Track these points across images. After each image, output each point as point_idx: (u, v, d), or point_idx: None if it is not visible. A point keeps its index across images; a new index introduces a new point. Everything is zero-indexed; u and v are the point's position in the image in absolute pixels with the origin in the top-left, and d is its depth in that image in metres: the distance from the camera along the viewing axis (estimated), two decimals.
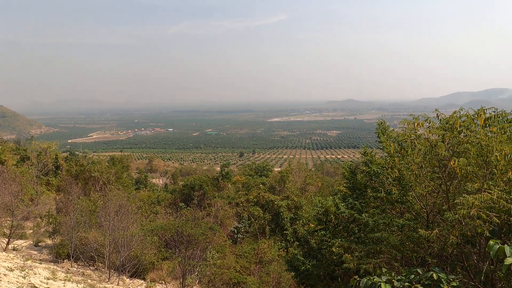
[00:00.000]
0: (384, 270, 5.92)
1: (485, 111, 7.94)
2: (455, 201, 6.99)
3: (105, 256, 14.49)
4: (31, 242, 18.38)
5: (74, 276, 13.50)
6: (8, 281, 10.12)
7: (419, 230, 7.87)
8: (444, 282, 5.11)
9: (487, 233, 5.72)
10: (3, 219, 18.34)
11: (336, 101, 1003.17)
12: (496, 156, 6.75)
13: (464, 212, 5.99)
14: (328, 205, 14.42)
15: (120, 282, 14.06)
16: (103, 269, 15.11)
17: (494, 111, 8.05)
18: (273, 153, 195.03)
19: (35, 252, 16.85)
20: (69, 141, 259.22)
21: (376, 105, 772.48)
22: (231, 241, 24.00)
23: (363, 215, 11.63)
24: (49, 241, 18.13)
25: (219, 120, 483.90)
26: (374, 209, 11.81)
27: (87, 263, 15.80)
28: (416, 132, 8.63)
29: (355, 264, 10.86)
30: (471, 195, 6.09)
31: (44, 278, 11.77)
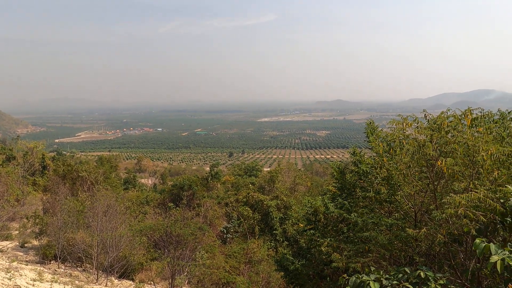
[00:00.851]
0: (372, 269, 5.97)
1: (472, 112, 8.07)
2: (443, 200, 7.09)
3: (93, 257, 14.32)
4: (17, 243, 18.07)
5: (61, 277, 13.32)
6: None
7: (407, 229, 7.96)
8: (431, 280, 5.18)
9: (474, 231, 5.81)
10: None
11: (326, 101, 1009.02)
12: (482, 156, 6.86)
13: (451, 211, 6.08)
14: (317, 205, 14.51)
15: (108, 283, 13.91)
16: (91, 270, 14.93)
17: (481, 112, 8.19)
18: (263, 153, 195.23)
19: (21, 254, 16.57)
20: (56, 140, 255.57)
21: (365, 105, 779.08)
22: (220, 241, 23.94)
23: (352, 214, 11.73)
24: (35, 242, 17.83)
25: (208, 120, 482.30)
26: (363, 209, 11.92)
27: (75, 264, 15.59)
28: (404, 132, 8.72)
29: (344, 263, 10.94)
30: (458, 195, 6.18)
31: (31, 280, 11.59)
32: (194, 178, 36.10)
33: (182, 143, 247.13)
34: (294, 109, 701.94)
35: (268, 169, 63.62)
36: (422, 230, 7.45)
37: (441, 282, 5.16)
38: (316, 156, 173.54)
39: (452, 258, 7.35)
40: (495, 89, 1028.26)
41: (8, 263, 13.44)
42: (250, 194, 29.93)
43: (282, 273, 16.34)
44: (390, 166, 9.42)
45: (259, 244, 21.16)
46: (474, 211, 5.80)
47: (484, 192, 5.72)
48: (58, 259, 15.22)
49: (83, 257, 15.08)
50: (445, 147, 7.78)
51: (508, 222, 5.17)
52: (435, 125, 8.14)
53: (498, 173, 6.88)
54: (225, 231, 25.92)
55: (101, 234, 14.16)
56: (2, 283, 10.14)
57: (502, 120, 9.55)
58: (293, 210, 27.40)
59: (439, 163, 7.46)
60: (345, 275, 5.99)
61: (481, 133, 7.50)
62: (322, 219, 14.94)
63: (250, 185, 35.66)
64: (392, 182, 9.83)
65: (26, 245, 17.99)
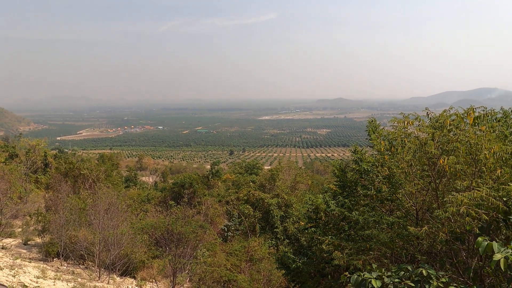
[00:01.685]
0: (374, 266, 5.98)
1: (474, 110, 8.06)
2: (445, 198, 7.09)
3: (95, 255, 14.38)
4: (20, 241, 18.14)
5: (64, 274, 13.38)
6: None
7: (409, 227, 7.96)
8: (433, 278, 5.19)
9: (476, 230, 5.81)
10: None
11: (327, 99, 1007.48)
12: (485, 154, 6.85)
13: (454, 210, 6.08)
14: (318, 203, 14.51)
15: (110, 280, 13.97)
16: (93, 268, 14.98)
17: (483, 110, 8.18)
18: (263, 151, 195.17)
19: (24, 251, 16.64)
20: (58, 138, 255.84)
21: (366, 104, 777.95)
22: (221, 239, 23.98)
23: (353, 213, 11.73)
24: (38, 240, 17.90)
25: (209, 118, 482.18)
26: (364, 207, 11.92)
27: (77, 261, 15.65)
28: (406, 131, 8.71)
29: (345, 261, 10.95)
30: (460, 193, 6.18)
31: (34, 277, 11.64)
32: (195, 176, 36.15)
33: (183, 141, 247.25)
34: (295, 107, 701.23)
35: (269, 167, 63.62)
36: (424, 228, 7.45)
37: (443, 280, 5.17)
38: (317, 155, 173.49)
39: (454, 256, 7.35)
40: (497, 87, 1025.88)
41: (12, 261, 13.51)
42: (251, 192, 29.95)
43: (283, 271, 16.36)
44: (391, 164, 9.42)
45: (260, 242, 21.20)
46: (476, 209, 5.80)
47: (487, 191, 5.72)
48: (61, 256, 15.28)
49: (85, 255, 15.15)
50: (447, 145, 7.77)
51: (511, 220, 5.17)
52: (437, 123, 8.13)
53: (501, 172, 6.88)
54: (226, 229, 25.96)
55: (103, 232, 14.21)
56: (7, 280, 10.19)
57: (505, 118, 9.54)
58: (293, 208, 27.42)
59: (441, 162, 7.46)
60: (347, 273, 6.00)
61: (483, 132, 7.49)
62: (323, 217, 14.95)
63: (251, 183, 35.69)
64: (394, 181, 9.83)
65: (29, 242, 18.06)
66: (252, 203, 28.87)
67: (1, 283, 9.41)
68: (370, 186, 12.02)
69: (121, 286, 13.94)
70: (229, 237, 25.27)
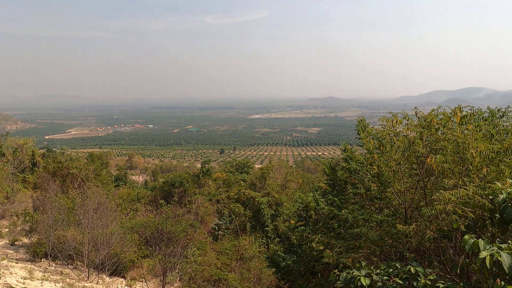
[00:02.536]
0: (363, 264, 6.03)
1: (462, 110, 8.17)
2: (432, 197, 7.17)
3: (84, 255, 14.24)
4: (7, 241, 17.87)
5: (52, 275, 13.22)
6: None
7: (398, 225, 8.04)
8: (421, 275, 5.25)
9: (463, 227, 5.89)
10: None
11: (317, 98, 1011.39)
12: (471, 153, 6.95)
13: (441, 208, 6.16)
14: (308, 201, 14.56)
15: (99, 280, 13.85)
16: (82, 268, 14.84)
17: (470, 109, 8.29)
18: (254, 150, 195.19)
19: (11, 252, 16.39)
20: (47, 137, 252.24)
21: (356, 102, 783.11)
22: (212, 238, 23.95)
23: (343, 211, 11.81)
24: (25, 240, 17.65)
25: (199, 116, 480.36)
26: (353, 205, 12.01)
27: (66, 262, 15.47)
28: (395, 130, 8.79)
29: (335, 259, 11.02)
30: (447, 191, 6.25)
31: (21, 278, 11.48)
32: (185, 175, 36.01)
33: (174, 139, 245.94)
34: (286, 106, 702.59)
35: (260, 166, 63.70)
36: (412, 226, 7.54)
37: (431, 277, 5.23)
38: (308, 153, 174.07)
39: (442, 253, 7.45)
40: (484, 87, 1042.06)
41: None
42: (241, 191, 29.94)
43: (274, 269, 16.41)
44: (380, 163, 9.50)
45: (251, 241, 21.21)
46: (463, 207, 5.88)
47: (473, 189, 5.80)
48: (49, 257, 15.10)
49: (74, 255, 14.99)
50: (435, 144, 7.87)
51: (496, 218, 5.25)
52: (425, 122, 8.22)
53: (487, 170, 6.98)
54: (216, 228, 25.92)
55: (92, 231, 14.07)
56: None
57: (491, 117, 9.67)
58: (284, 207, 27.49)
59: (429, 160, 7.54)
60: (336, 270, 6.04)
61: (470, 131, 7.60)
62: (313, 215, 15.01)
63: (242, 182, 35.69)
64: (383, 179, 9.91)
65: (16, 243, 17.80)
66: (243, 202, 28.87)
67: None
68: (359, 185, 12.12)
69: (111, 286, 13.83)
70: (219, 236, 25.24)
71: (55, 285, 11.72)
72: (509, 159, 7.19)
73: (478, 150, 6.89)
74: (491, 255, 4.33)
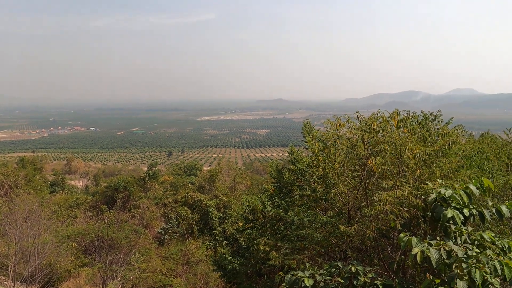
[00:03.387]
0: (307, 265, 6.09)
1: (399, 113, 8.57)
2: (372, 197, 7.44)
3: (9, 268, 13.03)
4: None
5: None
6: None
7: (340, 226, 8.25)
8: (361, 274, 5.41)
9: (399, 226, 6.17)
10: None
11: (266, 100, 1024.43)
12: (408, 155, 7.30)
13: (379, 208, 6.40)
14: (255, 204, 14.59)
15: None
16: (6, 283, 13.59)
17: (407, 113, 8.73)
18: (203, 152, 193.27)
19: None
20: None
21: (304, 104, 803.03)
22: (157, 243, 23.24)
23: (289, 213, 11.93)
24: None
25: (147, 118, 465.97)
26: (299, 207, 12.18)
27: None
28: (339, 132, 9.03)
29: (280, 261, 11.10)
30: (385, 192, 6.51)
31: None
32: (130, 178, 34.70)
33: (118, 142, 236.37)
34: (235, 107, 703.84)
35: (208, 168, 63.10)
36: (354, 227, 7.76)
37: (370, 275, 5.41)
38: (257, 155, 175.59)
39: (381, 251, 7.75)
40: (421, 91, 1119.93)
41: None
42: (189, 194, 29.42)
43: (220, 273, 16.23)
44: (325, 165, 9.71)
45: (198, 245, 20.89)
46: (399, 207, 6.16)
47: (408, 190, 6.09)
48: None
49: None
50: (375, 146, 8.17)
51: (428, 216, 5.54)
52: (366, 126, 8.52)
53: (420, 171, 7.37)
54: (162, 232, 25.21)
55: (20, 242, 12.94)
56: None
57: (425, 121, 10.25)
58: (232, 210, 27.39)
59: (369, 162, 7.82)
60: (281, 272, 6.05)
61: (406, 134, 7.99)
62: (260, 218, 15.06)
63: (190, 185, 35.08)
64: (327, 181, 10.14)
65: None
66: (190, 205, 28.38)
67: None
68: (305, 186, 12.33)
69: None
70: (166, 241, 24.56)
71: None
72: (440, 161, 7.65)
73: (413, 152, 7.26)
74: (422, 251, 4.56)
